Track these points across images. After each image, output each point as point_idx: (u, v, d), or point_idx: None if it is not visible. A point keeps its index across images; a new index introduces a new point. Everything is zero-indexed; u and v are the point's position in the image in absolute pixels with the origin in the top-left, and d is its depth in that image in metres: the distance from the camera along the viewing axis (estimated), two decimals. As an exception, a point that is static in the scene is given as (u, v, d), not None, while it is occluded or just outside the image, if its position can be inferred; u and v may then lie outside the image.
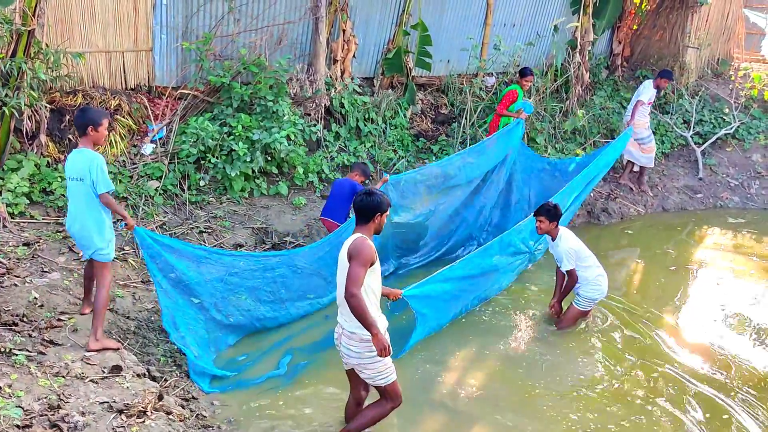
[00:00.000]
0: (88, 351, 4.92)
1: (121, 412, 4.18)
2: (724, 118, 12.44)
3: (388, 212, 4.46)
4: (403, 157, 9.53)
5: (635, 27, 13.34)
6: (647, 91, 10.47)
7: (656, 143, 12.00)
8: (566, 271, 6.45)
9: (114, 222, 5.34)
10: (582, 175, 8.37)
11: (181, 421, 4.43)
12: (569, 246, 6.43)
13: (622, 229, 9.94)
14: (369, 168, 7.78)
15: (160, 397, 4.47)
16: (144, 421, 4.17)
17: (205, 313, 5.80)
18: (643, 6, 13.25)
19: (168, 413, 4.40)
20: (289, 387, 5.48)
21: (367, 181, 7.53)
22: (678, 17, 12.84)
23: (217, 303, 5.88)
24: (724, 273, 8.56)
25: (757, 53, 15.27)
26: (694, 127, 12.17)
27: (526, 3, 11.43)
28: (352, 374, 4.68)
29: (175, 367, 5.34)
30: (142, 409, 4.22)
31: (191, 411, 4.83)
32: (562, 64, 11.71)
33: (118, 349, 5.08)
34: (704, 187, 11.55)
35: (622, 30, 13.05)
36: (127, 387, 4.51)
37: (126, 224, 5.24)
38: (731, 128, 12.21)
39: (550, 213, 6.38)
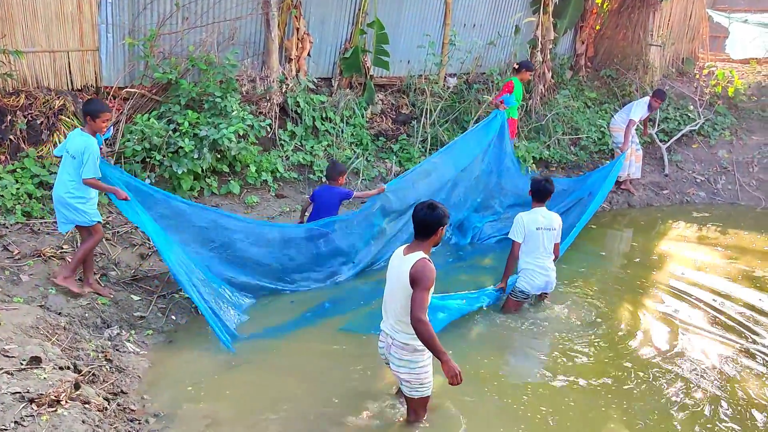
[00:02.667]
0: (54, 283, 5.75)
1: (32, 401, 3.95)
2: (689, 115, 12.46)
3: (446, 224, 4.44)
4: (361, 156, 9.38)
5: (598, 27, 13.35)
6: (640, 110, 10.38)
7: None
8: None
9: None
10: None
11: (99, 411, 4.20)
12: (523, 218, 6.46)
13: (587, 225, 9.79)
14: (340, 165, 7.81)
15: (77, 386, 4.24)
16: (56, 410, 3.94)
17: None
18: (605, 6, 13.28)
19: (85, 403, 4.17)
20: (227, 380, 5.29)
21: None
22: (640, 16, 12.88)
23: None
24: (688, 264, 8.44)
25: (722, 54, 15.37)
26: (659, 125, 12.16)
27: (485, 3, 11.38)
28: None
29: (105, 362, 5.10)
30: (55, 398, 3.99)
31: (118, 405, 4.61)
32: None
33: (80, 294, 5.77)
34: (670, 184, 11.51)
35: (585, 30, 13.05)
36: (45, 378, 4.28)
37: (117, 196, 5.75)
38: (696, 125, 12.21)
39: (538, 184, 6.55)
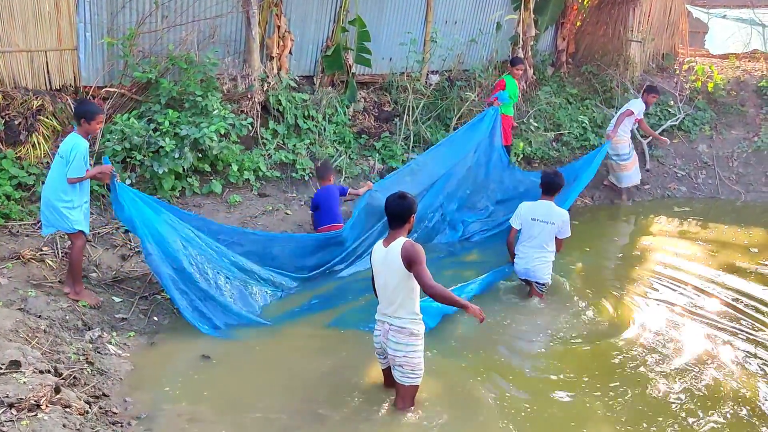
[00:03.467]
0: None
1: (12, 406, 3.91)
2: (670, 110, 12.51)
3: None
4: (344, 154, 9.36)
5: (579, 23, 13.40)
6: (636, 105, 10.43)
7: (604, 137, 12.05)
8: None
9: None
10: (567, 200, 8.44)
11: (80, 414, 4.16)
12: (523, 207, 6.95)
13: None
14: (329, 164, 8.42)
15: (57, 390, 4.20)
16: (36, 415, 3.90)
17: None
18: (585, 2, 13.34)
19: (66, 407, 4.13)
20: (209, 379, 5.28)
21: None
22: (620, 12, 12.96)
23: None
24: (670, 259, 8.50)
25: (701, 49, 15.47)
26: (639, 120, 12.20)
27: (466, 0, 11.39)
28: (387, 372, 4.96)
29: (87, 365, 5.05)
30: (35, 402, 3.95)
31: (100, 408, 4.57)
32: (505, 60, 11.71)
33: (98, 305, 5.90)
34: (651, 179, 11.58)
35: (566, 26, 13.11)
36: (24, 382, 4.23)
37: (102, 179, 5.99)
38: (677, 120, 12.29)
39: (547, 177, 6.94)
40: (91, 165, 5.99)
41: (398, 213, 4.65)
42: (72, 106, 7.70)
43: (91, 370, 5.02)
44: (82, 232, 5.85)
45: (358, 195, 7.90)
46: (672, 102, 12.67)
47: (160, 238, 5.96)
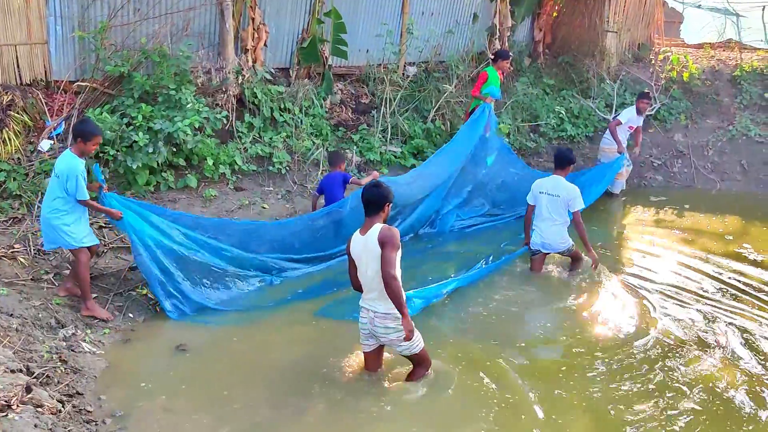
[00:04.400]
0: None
1: (-19, 407, 3.85)
2: (646, 100, 12.56)
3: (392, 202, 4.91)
4: (322, 147, 9.31)
5: (555, 14, 13.42)
6: (626, 113, 10.41)
7: (580, 127, 12.11)
8: None
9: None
10: None
11: (53, 414, 4.11)
12: (534, 183, 7.33)
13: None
14: (341, 153, 8.67)
15: (29, 390, 4.14)
16: (7, 415, 3.84)
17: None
18: (561, -7, 13.36)
19: (38, 406, 4.07)
20: (186, 374, 5.26)
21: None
22: (596, 3, 12.97)
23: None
24: (647, 247, 8.55)
25: (676, 39, 15.58)
26: (616, 110, 12.26)
27: (443, -9, 11.37)
28: (371, 355, 5.11)
29: (60, 363, 4.99)
30: (5, 402, 3.89)
31: (74, 407, 4.51)
32: (482, 51, 11.72)
33: (110, 318, 5.86)
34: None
35: (542, 17, 13.12)
36: (-5, 382, 4.17)
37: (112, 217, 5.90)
38: (653, 110, 12.34)
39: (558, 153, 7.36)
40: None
41: (374, 200, 4.80)
42: (43, 101, 7.60)
43: (65, 369, 4.96)
44: (85, 247, 5.81)
45: (360, 185, 7.75)
46: (648, 92, 12.72)
47: (149, 238, 6.09)
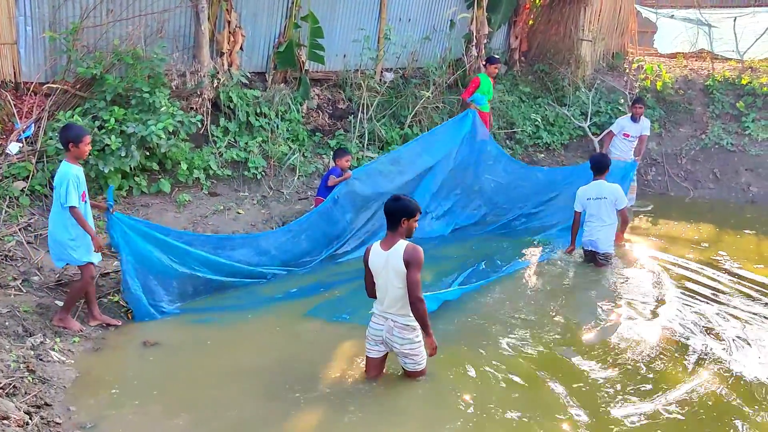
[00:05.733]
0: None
1: (-57, 419, 3.69)
2: (620, 108, 12.67)
3: (416, 217, 4.87)
4: (298, 152, 9.21)
5: (531, 22, 13.49)
6: (617, 123, 10.42)
7: (556, 135, 12.17)
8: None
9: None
10: None
11: (19, 426, 3.95)
12: (579, 192, 7.94)
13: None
14: (346, 149, 8.63)
15: (-6, 401, 3.99)
16: (-29, 428, 3.69)
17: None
18: (537, 1, 13.42)
19: (3, 418, 3.92)
20: (160, 381, 5.13)
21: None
22: (571, 11, 13.06)
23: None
24: (624, 255, 8.56)
25: (650, 48, 15.76)
26: (591, 118, 12.36)
27: (420, -3, 11.36)
28: (376, 362, 5.13)
29: (28, 373, 4.82)
30: (-31, 414, 3.74)
31: (42, 418, 4.35)
32: (459, 58, 11.72)
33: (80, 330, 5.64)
34: (603, 176, 11.68)
35: (519, 25, 13.18)
36: (-42, 393, 4.01)
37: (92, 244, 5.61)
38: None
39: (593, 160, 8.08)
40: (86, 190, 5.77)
41: (389, 213, 4.83)
42: (12, 103, 7.40)
43: (33, 379, 4.79)
44: (91, 263, 5.69)
45: (335, 183, 7.98)
46: (622, 100, 12.84)
47: (146, 266, 6.15)
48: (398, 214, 4.80)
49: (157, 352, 5.59)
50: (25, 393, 4.59)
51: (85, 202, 5.67)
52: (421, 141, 9.02)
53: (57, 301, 5.93)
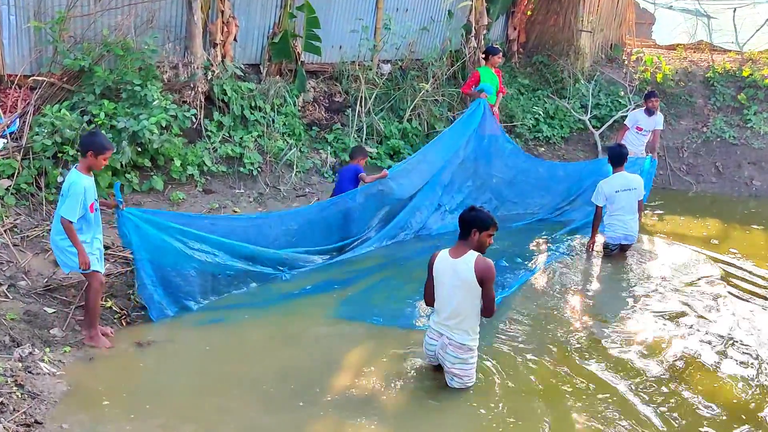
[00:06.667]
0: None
1: (-75, 445, 3.36)
2: (620, 101, 12.47)
3: (490, 232, 4.77)
4: (295, 147, 8.89)
5: (529, 12, 13.20)
6: (631, 116, 10.11)
7: (556, 128, 11.92)
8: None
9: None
10: None
11: (7, 449, 3.64)
12: (602, 185, 7.81)
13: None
14: (365, 148, 8.52)
15: (-21, 423, 3.66)
16: (-45, 454, 3.37)
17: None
18: (536, -9, 13.15)
19: (-9, 442, 3.60)
20: (157, 392, 4.83)
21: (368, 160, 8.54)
22: (570, 2, 12.80)
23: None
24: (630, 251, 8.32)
25: (648, 40, 15.54)
26: (591, 111, 12.12)
27: (418, -13, 11.03)
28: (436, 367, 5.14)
29: (16, 388, 4.49)
30: (-47, 439, 3.41)
31: (32, 438, 4.04)
32: (458, 49, 11.42)
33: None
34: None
35: (517, 15, 12.91)
36: (-59, 414, 3.68)
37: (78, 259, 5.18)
38: (627, 111, 12.20)
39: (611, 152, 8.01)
40: (97, 199, 5.40)
41: (462, 223, 4.80)
42: (-3, 96, 7.05)
43: (21, 394, 4.45)
44: (97, 272, 5.32)
45: (365, 181, 7.71)
46: (622, 93, 12.62)
47: (163, 257, 5.91)
48: (471, 224, 4.73)
49: (154, 359, 5.30)
50: (14, 410, 4.26)
51: (95, 211, 5.32)
52: (440, 140, 8.74)
53: (46, 308, 5.58)
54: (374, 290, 6.76)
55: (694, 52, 14.39)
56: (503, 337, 5.87)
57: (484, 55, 9.91)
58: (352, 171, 7.70)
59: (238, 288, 6.49)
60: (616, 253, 7.84)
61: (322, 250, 7.35)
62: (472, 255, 4.68)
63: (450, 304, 4.80)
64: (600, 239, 8.04)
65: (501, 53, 9.99)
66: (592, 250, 8.00)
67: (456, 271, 4.70)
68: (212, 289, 6.31)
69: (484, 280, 4.64)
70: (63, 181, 6.47)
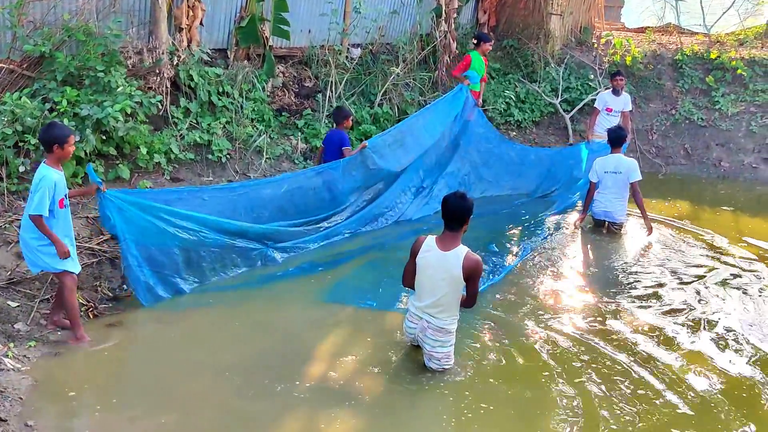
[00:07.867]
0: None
1: None
2: (590, 84, 12.51)
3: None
4: (264, 133, 8.74)
5: (499, -5, 13.16)
6: (600, 98, 10.12)
7: (527, 112, 11.91)
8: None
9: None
10: None
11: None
12: (596, 163, 8.22)
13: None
14: (346, 109, 8.44)
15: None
16: None
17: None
18: (505, -26, 13.09)
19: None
20: (128, 385, 4.72)
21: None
22: (539, -16, 12.76)
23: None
24: (602, 234, 8.37)
25: (616, 23, 15.60)
26: (562, 95, 12.14)
27: (387, -31, 10.89)
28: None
29: (-19, 385, 4.36)
30: None
31: (-4, 436, 3.92)
32: (428, 33, 11.33)
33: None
34: (575, 153, 11.48)
35: (487, -1, 12.84)
36: None
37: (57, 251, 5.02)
38: (597, 93, 12.24)
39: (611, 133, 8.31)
40: (67, 195, 5.19)
41: (458, 214, 4.62)
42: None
43: (-14, 391, 4.33)
44: (69, 271, 5.14)
45: (349, 155, 7.72)
46: (592, 76, 12.66)
47: (148, 238, 5.84)
48: (466, 213, 4.63)
49: (125, 350, 5.23)
50: (-22, 409, 4.14)
51: (64, 207, 5.12)
52: (421, 117, 8.67)
53: (9, 302, 5.42)
54: (362, 273, 6.79)
55: (663, 34, 14.47)
56: (483, 319, 5.85)
57: (474, 41, 9.83)
58: (336, 141, 7.79)
59: (223, 272, 6.45)
60: (605, 232, 8.19)
61: (308, 221, 7.38)
62: (462, 249, 4.62)
63: (434, 295, 4.76)
64: (589, 218, 8.43)
65: (491, 41, 9.97)
66: (579, 225, 8.34)
67: (444, 264, 4.64)
68: (197, 272, 6.26)
69: (472, 276, 4.63)
70: (24, 171, 6.36)
